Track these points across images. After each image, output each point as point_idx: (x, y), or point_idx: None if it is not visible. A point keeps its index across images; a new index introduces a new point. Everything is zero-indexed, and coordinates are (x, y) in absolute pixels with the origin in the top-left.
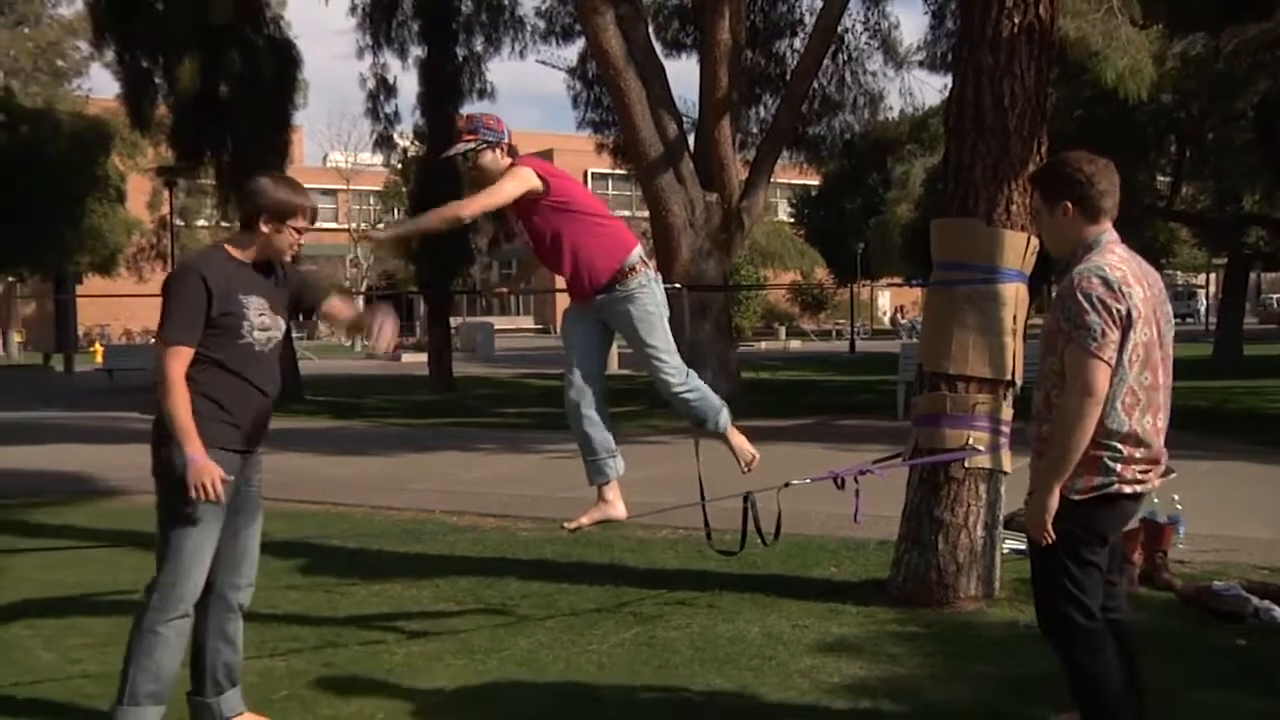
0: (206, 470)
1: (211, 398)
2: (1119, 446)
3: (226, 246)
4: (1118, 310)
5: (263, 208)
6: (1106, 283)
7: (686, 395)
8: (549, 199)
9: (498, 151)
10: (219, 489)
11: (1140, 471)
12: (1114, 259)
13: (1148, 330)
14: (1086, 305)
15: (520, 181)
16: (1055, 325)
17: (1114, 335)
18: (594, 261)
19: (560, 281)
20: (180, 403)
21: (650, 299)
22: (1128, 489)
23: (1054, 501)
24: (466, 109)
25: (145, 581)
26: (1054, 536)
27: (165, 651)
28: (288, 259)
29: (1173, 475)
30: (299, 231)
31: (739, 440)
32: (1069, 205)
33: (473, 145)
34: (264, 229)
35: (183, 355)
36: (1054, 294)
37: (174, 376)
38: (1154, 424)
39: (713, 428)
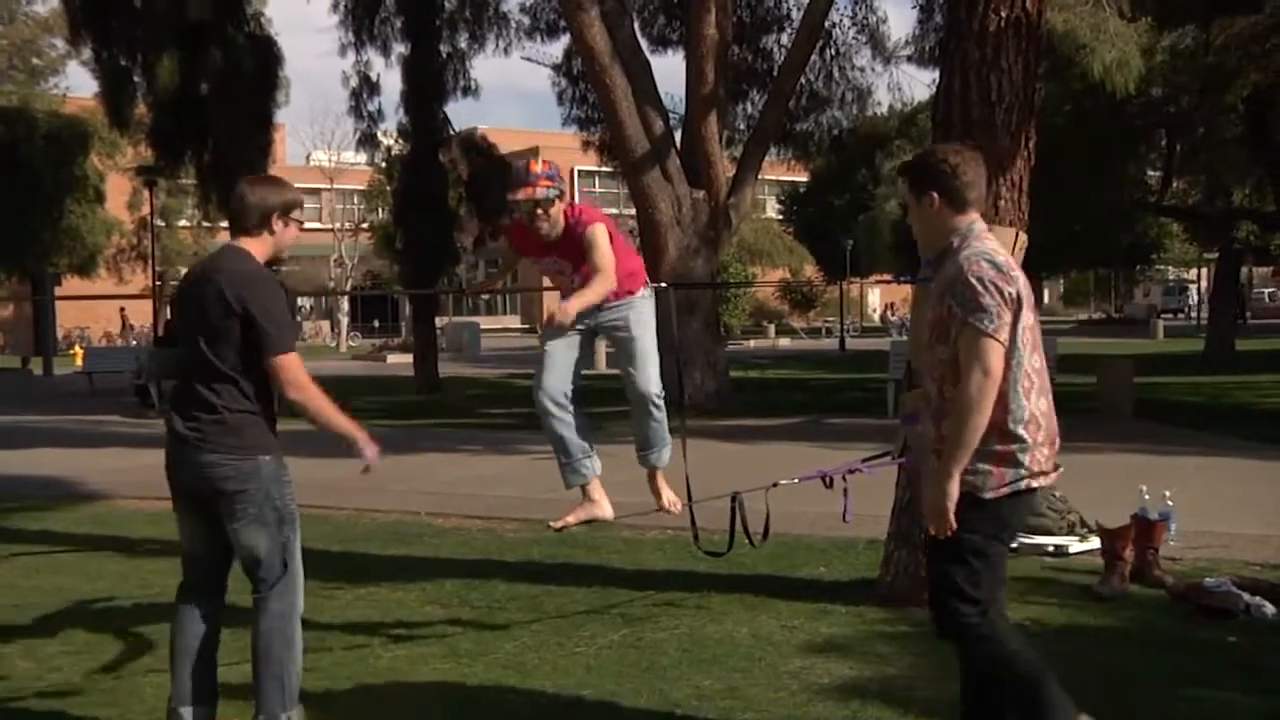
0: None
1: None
2: (1024, 435)
3: (249, 251)
4: (1009, 293)
5: (275, 206)
6: (995, 265)
7: (654, 409)
8: None
9: (561, 203)
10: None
11: (1044, 459)
12: (991, 245)
13: (1029, 314)
14: (980, 288)
15: (609, 241)
16: (946, 313)
17: (1008, 317)
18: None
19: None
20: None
21: (648, 309)
22: (1035, 483)
23: (955, 489)
24: (450, 107)
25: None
26: (955, 526)
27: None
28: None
29: (1060, 470)
30: (300, 224)
31: (665, 489)
32: (935, 196)
33: (552, 192)
34: (277, 226)
35: None
36: (935, 286)
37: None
38: (1047, 405)
39: (648, 457)
